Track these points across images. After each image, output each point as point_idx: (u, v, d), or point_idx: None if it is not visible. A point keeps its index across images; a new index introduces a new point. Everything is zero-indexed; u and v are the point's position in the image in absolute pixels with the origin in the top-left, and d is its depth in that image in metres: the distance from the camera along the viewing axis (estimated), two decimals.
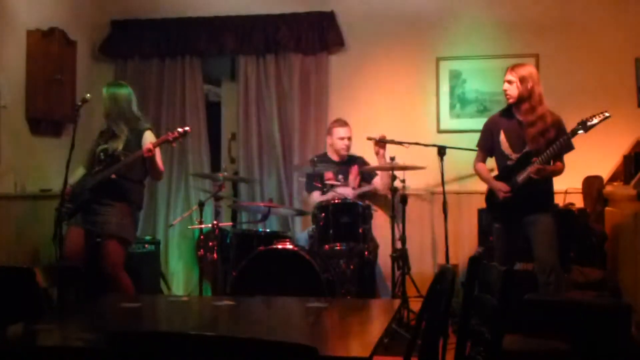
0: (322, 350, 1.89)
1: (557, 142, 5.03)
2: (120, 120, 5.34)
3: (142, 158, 5.23)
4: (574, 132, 5.04)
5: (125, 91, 5.43)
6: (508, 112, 5.31)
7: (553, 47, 6.48)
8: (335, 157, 6.34)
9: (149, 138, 5.35)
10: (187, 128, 5.33)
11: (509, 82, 5.19)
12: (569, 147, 5.12)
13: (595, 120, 5.00)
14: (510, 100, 5.21)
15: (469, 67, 6.68)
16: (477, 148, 5.51)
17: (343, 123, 6.34)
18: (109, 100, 5.36)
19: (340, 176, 6.07)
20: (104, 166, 5.26)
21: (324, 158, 6.25)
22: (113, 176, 5.24)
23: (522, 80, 5.14)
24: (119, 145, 5.28)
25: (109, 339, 1.95)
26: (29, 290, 3.19)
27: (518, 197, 5.16)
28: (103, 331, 2.11)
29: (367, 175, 6.40)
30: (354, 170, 6.30)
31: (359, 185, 6.31)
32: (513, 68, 5.22)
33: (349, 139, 6.30)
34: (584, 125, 5.02)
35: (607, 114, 5.01)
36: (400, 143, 6.24)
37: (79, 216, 5.28)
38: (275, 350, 1.89)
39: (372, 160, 6.31)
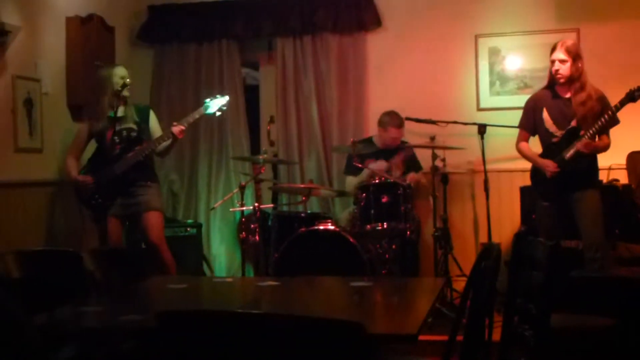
0: (368, 328, 1.88)
1: (603, 117, 4.90)
2: (126, 100, 5.33)
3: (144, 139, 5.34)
4: (623, 103, 4.84)
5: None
6: (551, 89, 5.15)
7: (594, 20, 6.34)
8: (380, 145, 6.22)
9: (154, 116, 5.48)
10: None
11: (562, 61, 4.97)
12: (615, 122, 5.00)
13: None
14: (562, 80, 5.04)
15: (508, 43, 6.57)
16: (519, 128, 5.37)
17: (399, 123, 6.05)
18: (121, 79, 5.29)
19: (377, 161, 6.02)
20: (122, 149, 5.26)
21: (367, 141, 6.19)
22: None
23: (576, 58, 4.95)
24: (133, 126, 5.34)
25: (157, 318, 1.97)
26: (76, 273, 3.24)
27: (564, 174, 5.06)
28: (151, 311, 2.13)
29: (412, 164, 6.23)
30: (397, 159, 6.17)
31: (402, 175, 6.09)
32: (563, 44, 4.99)
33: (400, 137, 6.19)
34: (632, 96, 4.82)
35: None
36: (434, 122, 6.19)
37: (114, 205, 5.34)
38: (321, 327, 1.89)
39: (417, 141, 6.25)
